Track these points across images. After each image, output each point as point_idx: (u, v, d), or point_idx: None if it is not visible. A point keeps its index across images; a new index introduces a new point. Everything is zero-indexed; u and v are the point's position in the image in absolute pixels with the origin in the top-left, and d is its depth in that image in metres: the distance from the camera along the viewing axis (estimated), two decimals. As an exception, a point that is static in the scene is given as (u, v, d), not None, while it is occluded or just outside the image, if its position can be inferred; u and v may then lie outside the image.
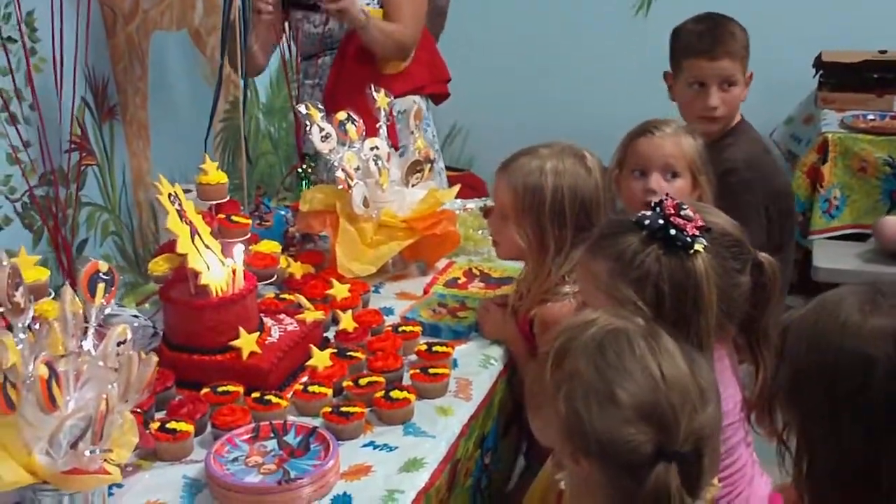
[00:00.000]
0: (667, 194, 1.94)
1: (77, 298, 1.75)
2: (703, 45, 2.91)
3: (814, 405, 1.47)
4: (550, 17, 5.19)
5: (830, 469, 1.47)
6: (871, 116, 4.01)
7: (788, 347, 1.51)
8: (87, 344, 1.75)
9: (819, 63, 4.38)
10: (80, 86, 3.11)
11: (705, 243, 1.83)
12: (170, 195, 2.18)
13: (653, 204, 1.87)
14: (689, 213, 1.84)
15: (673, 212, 1.83)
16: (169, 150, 3.58)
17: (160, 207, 3.08)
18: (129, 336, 1.74)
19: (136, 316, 2.41)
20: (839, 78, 4.28)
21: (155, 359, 1.76)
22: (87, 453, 1.61)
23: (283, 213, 2.97)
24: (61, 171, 3.08)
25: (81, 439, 1.59)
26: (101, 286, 1.82)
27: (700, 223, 1.84)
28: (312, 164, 3.24)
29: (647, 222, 1.83)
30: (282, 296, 2.50)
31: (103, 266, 1.84)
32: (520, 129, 5.18)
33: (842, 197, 3.94)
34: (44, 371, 1.58)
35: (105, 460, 1.66)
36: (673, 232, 1.81)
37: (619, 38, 5.02)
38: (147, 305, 2.59)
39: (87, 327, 1.78)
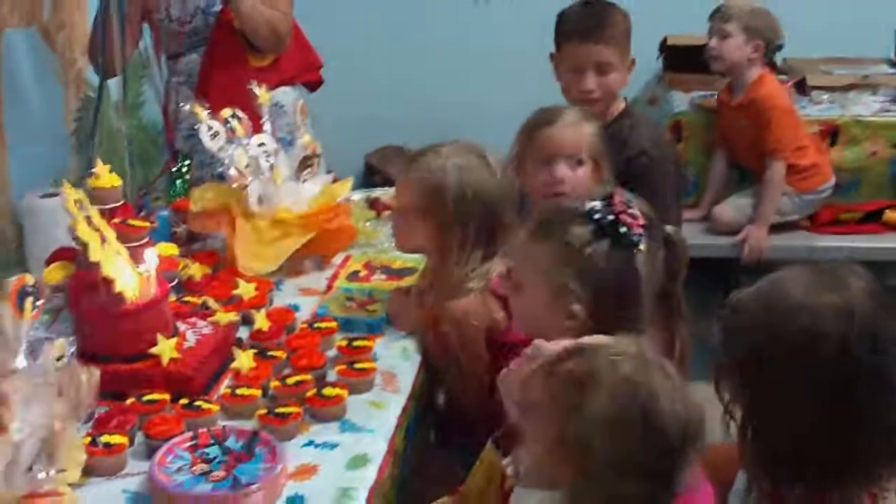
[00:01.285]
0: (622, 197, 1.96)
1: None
2: (579, 30, 2.96)
3: (765, 378, 1.54)
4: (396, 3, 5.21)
5: (779, 438, 1.54)
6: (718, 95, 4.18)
7: (738, 325, 1.57)
8: (21, 362, 1.67)
9: (664, 46, 4.54)
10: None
11: (648, 241, 1.89)
12: (76, 201, 2.09)
13: (602, 197, 1.91)
14: (635, 211, 1.89)
15: (622, 209, 1.88)
16: (26, 154, 3.42)
17: (28, 213, 3.00)
18: (69, 350, 1.67)
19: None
20: (682, 60, 4.44)
21: (97, 372, 1.69)
22: (39, 476, 1.54)
23: (164, 213, 2.89)
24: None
25: (36, 461, 1.52)
26: (28, 301, 1.74)
27: (642, 222, 1.89)
28: (186, 163, 3.17)
29: (596, 216, 1.87)
30: (184, 299, 2.44)
31: (30, 279, 1.75)
32: (365, 121, 5.25)
33: (696, 174, 4.10)
34: (-8, 392, 1.50)
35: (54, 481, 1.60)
36: (623, 230, 1.86)
37: (461, 27, 5.07)
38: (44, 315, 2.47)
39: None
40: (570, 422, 1.48)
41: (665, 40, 4.56)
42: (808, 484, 1.53)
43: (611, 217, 1.88)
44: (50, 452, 1.52)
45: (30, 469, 1.51)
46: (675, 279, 2.05)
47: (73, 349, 1.69)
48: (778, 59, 4.16)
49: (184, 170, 3.13)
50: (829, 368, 1.50)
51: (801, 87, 4.27)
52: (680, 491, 1.48)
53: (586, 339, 1.61)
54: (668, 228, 2.06)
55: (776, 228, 3.85)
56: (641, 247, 1.88)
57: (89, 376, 1.65)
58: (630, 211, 1.91)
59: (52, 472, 1.55)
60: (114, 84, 4.06)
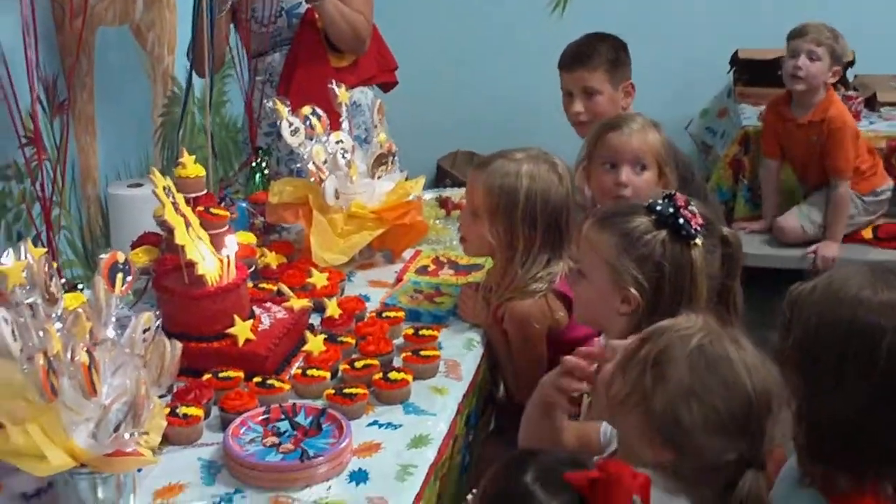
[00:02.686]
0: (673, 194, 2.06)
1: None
2: (564, 59, 3.32)
3: (823, 368, 1.60)
4: (469, 16, 5.31)
5: (832, 423, 1.61)
6: (787, 109, 4.22)
7: (798, 317, 1.65)
8: (110, 332, 1.80)
9: (735, 60, 4.59)
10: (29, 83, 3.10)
11: (703, 240, 1.98)
12: (164, 188, 2.23)
13: (664, 195, 2.02)
14: (694, 209, 1.99)
15: (682, 204, 1.98)
16: (114, 146, 3.58)
17: (113, 201, 3.14)
18: (155, 323, 1.79)
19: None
20: (753, 74, 4.50)
21: (179, 345, 1.81)
22: (126, 436, 1.67)
23: (243, 205, 3.02)
24: (16, 167, 3.07)
25: (123, 423, 1.65)
26: (119, 276, 1.86)
27: (701, 221, 1.99)
28: (266, 158, 3.30)
29: (658, 208, 1.99)
30: (260, 285, 2.56)
31: (121, 256, 1.88)
32: (438, 126, 5.35)
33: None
34: (86, 358, 1.63)
35: (137, 443, 1.72)
36: (681, 221, 1.97)
37: (535, 35, 5.15)
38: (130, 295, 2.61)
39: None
40: (654, 401, 1.57)
41: (736, 53, 4.61)
42: (860, 471, 1.59)
43: (671, 210, 1.99)
44: (135, 415, 1.63)
45: (116, 429, 1.63)
46: (732, 276, 2.14)
47: (158, 322, 1.80)
48: (849, 75, 4.21)
49: (263, 164, 3.26)
50: (884, 361, 1.57)
51: (871, 103, 4.30)
52: (771, 446, 1.57)
53: (654, 325, 1.69)
54: (724, 229, 2.15)
55: (843, 239, 3.88)
56: (698, 241, 1.98)
57: (173, 349, 1.76)
58: (690, 208, 2.02)
59: (136, 434, 1.67)
60: (198, 82, 4.24)
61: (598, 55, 3.27)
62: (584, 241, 2.14)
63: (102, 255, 1.84)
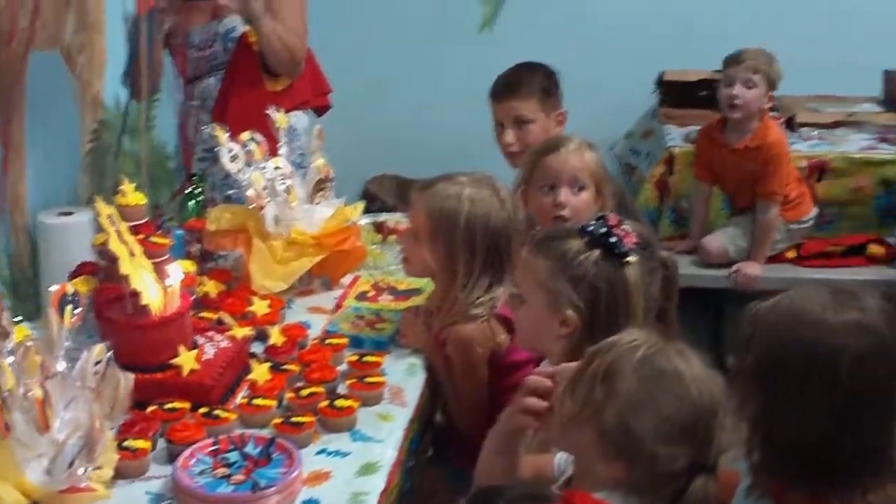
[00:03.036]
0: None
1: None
2: (495, 90, 3.39)
3: (784, 388, 1.67)
4: (396, 37, 5.34)
5: (793, 439, 1.67)
6: (711, 131, 4.32)
7: (760, 336, 1.71)
8: (61, 366, 1.79)
9: (660, 81, 4.69)
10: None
11: (638, 257, 2.03)
12: (108, 216, 2.22)
13: (596, 216, 2.06)
14: (627, 227, 2.04)
15: (614, 224, 2.03)
16: (42, 173, 3.54)
17: (43, 230, 3.11)
18: (106, 355, 1.79)
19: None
20: (678, 95, 4.59)
21: (132, 376, 1.81)
22: (80, 471, 1.66)
23: (179, 233, 3.00)
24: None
25: (77, 458, 1.64)
26: (68, 308, 1.86)
27: (636, 238, 2.04)
28: (201, 184, 3.29)
29: (590, 229, 2.03)
30: (201, 314, 2.56)
31: (70, 288, 1.88)
32: (365, 149, 5.36)
33: (688, 207, 4.23)
34: (40, 393, 1.63)
35: (89, 478, 1.72)
36: (613, 240, 2.01)
37: (464, 58, 5.20)
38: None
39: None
40: (605, 414, 1.61)
41: (662, 75, 4.71)
42: (811, 487, 1.66)
43: (603, 230, 2.03)
44: (90, 450, 1.63)
45: (70, 465, 1.63)
46: (670, 298, 2.20)
47: (109, 354, 1.80)
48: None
49: (197, 191, 3.25)
50: (845, 383, 1.63)
51: (791, 124, 4.42)
52: (722, 452, 1.62)
53: (600, 343, 1.72)
54: (663, 252, 2.21)
55: (767, 260, 3.97)
56: (631, 259, 2.02)
57: (126, 380, 1.76)
58: (622, 227, 2.06)
59: (90, 469, 1.67)
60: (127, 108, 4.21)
61: (529, 84, 3.33)
62: (522, 266, 2.19)
63: (52, 287, 1.84)
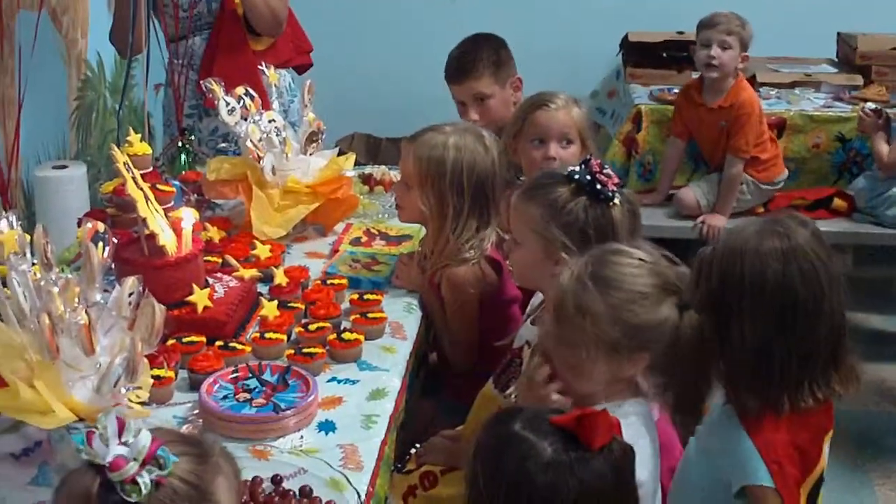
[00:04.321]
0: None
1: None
2: (449, 72, 3.55)
3: (728, 312, 1.89)
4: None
5: (740, 356, 1.89)
6: (674, 90, 4.49)
7: (705, 274, 1.92)
8: (99, 296, 1.92)
9: (625, 42, 4.86)
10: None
11: (621, 197, 2.20)
12: (124, 164, 2.34)
13: (581, 162, 2.22)
14: (609, 171, 2.20)
15: (597, 170, 2.19)
16: (32, 129, 3.63)
17: (40, 183, 3.20)
18: (139, 287, 1.92)
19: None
20: (642, 56, 4.76)
21: (163, 307, 1.94)
22: (122, 391, 1.80)
23: (176, 183, 3.12)
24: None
25: (120, 378, 1.78)
26: (100, 245, 1.98)
27: (616, 180, 2.20)
28: (191, 138, 3.41)
29: (576, 177, 2.18)
30: (206, 258, 2.68)
31: (101, 226, 2.00)
32: (335, 109, 5.45)
33: (654, 162, 4.42)
34: (86, 319, 1.76)
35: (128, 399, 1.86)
36: (598, 186, 2.17)
37: (429, 20, 5.33)
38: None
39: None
40: (607, 333, 1.88)
41: (626, 37, 4.87)
42: (765, 392, 1.88)
43: (588, 177, 2.19)
44: (133, 371, 1.77)
45: (115, 385, 1.76)
46: (636, 231, 2.36)
47: (141, 286, 1.93)
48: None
49: (188, 145, 3.37)
50: (769, 301, 1.87)
51: (751, 84, 4.59)
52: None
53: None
54: (626, 190, 2.37)
55: (737, 214, 4.13)
56: (616, 201, 2.18)
57: (160, 310, 1.90)
58: (605, 171, 2.22)
59: (132, 389, 1.80)
60: (108, 66, 4.30)
61: (479, 61, 3.49)
62: (514, 212, 2.34)
63: (88, 225, 1.96)
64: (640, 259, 1.92)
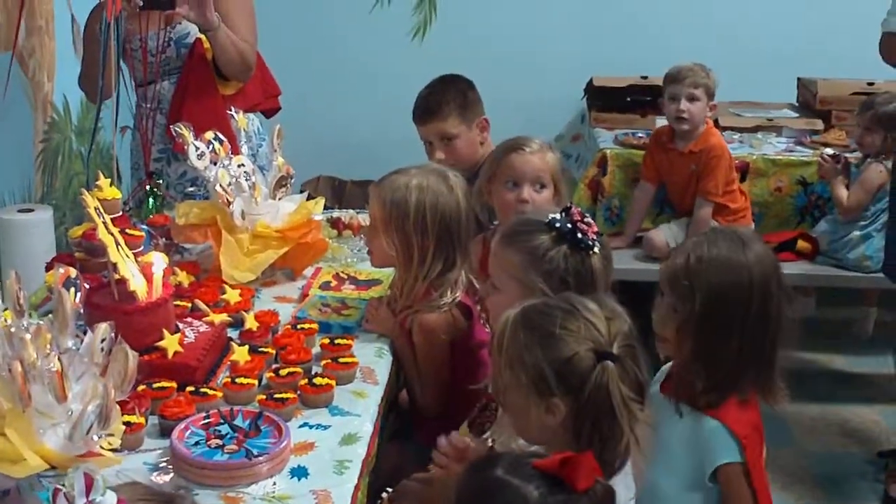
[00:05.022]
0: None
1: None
2: (417, 113, 3.63)
3: (723, 321, 2.13)
4: (329, 42, 5.49)
5: (722, 358, 2.14)
6: (639, 134, 4.56)
7: (699, 285, 2.12)
8: (71, 342, 1.91)
9: (590, 87, 4.91)
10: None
11: (601, 246, 2.22)
12: (95, 208, 2.34)
13: (562, 210, 2.24)
14: (589, 220, 2.22)
15: (578, 218, 2.21)
16: (-1, 171, 3.63)
17: (5, 227, 3.19)
18: (111, 334, 1.92)
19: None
20: (606, 100, 4.82)
21: (136, 353, 1.93)
22: (94, 438, 1.79)
23: (144, 227, 3.11)
24: None
25: (93, 426, 1.77)
26: (72, 290, 1.98)
27: (595, 229, 2.23)
28: (159, 182, 3.41)
29: (557, 225, 2.21)
30: (175, 303, 2.67)
31: (73, 272, 2.00)
32: (300, 152, 5.46)
33: (620, 205, 4.46)
34: (58, 365, 1.75)
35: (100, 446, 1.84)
36: (580, 235, 2.19)
37: (396, 62, 5.36)
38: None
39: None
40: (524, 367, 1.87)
41: (591, 81, 4.93)
42: (739, 386, 2.13)
43: (569, 225, 2.21)
44: (106, 418, 1.76)
45: (87, 431, 1.75)
46: (609, 275, 2.39)
47: (113, 333, 1.92)
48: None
49: (156, 189, 3.36)
50: (755, 306, 2.13)
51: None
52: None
53: None
54: (601, 238, 2.40)
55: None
56: (596, 249, 2.20)
57: (133, 356, 1.89)
58: (585, 220, 2.24)
59: (103, 436, 1.79)
60: (74, 109, 4.30)
61: (446, 103, 3.55)
62: (493, 258, 2.35)
63: (60, 270, 1.95)
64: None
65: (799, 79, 5.11)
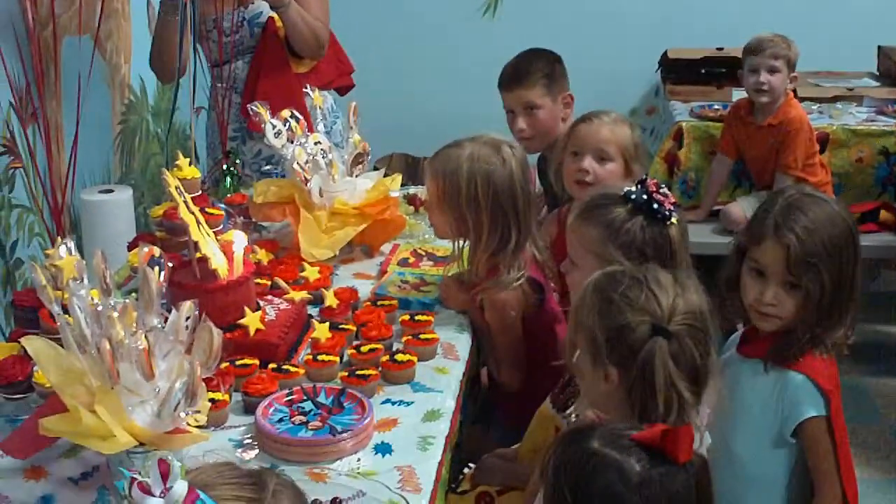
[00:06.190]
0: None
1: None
2: (503, 80, 3.54)
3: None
4: (401, 19, 5.48)
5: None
6: (715, 106, 4.48)
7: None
8: (156, 320, 1.93)
9: (664, 59, 4.85)
10: (6, 91, 3.19)
11: (678, 217, 2.18)
12: (176, 188, 2.35)
13: (637, 181, 2.21)
14: (665, 191, 2.19)
15: (654, 189, 2.17)
16: (80, 153, 3.66)
17: (87, 207, 3.23)
18: (195, 311, 1.93)
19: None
20: (681, 72, 4.75)
21: (220, 331, 1.94)
22: (182, 415, 1.80)
23: (223, 206, 3.14)
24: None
25: (180, 403, 1.78)
26: (156, 269, 1.99)
27: (673, 200, 2.19)
28: (237, 161, 3.43)
29: (633, 196, 2.17)
30: (256, 281, 2.69)
31: (156, 251, 2.01)
32: (373, 129, 5.47)
33: (696, 178, 4.40)
34: (146, 343, 1.76)
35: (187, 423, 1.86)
36: (655, 206, 2.16)
37: (468, 39, 5.34)
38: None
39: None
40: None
41: (665, 54, 4.86)
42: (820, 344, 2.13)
43: (644, 196, 2.18)
44: (192, 396, 1.77)
45: (175, 409, 1.76)
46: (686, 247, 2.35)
47: (197, 311, 1.93)
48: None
49: (233, 168, 3.38)
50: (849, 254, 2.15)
51: (793, 99, 4.58)
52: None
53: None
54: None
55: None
56: (673, 219, 2.17)
57: (217, 334, 1.90)
58: (661, 191, 2.21)
59: (190, 413, 1.81)
60: (150, 90, 4.34)
61: (534, 72, 3.48)
62: (570, 234, 2.32)
63: (144, 249, 1.97)
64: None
65: (879, 47, 4.98)
